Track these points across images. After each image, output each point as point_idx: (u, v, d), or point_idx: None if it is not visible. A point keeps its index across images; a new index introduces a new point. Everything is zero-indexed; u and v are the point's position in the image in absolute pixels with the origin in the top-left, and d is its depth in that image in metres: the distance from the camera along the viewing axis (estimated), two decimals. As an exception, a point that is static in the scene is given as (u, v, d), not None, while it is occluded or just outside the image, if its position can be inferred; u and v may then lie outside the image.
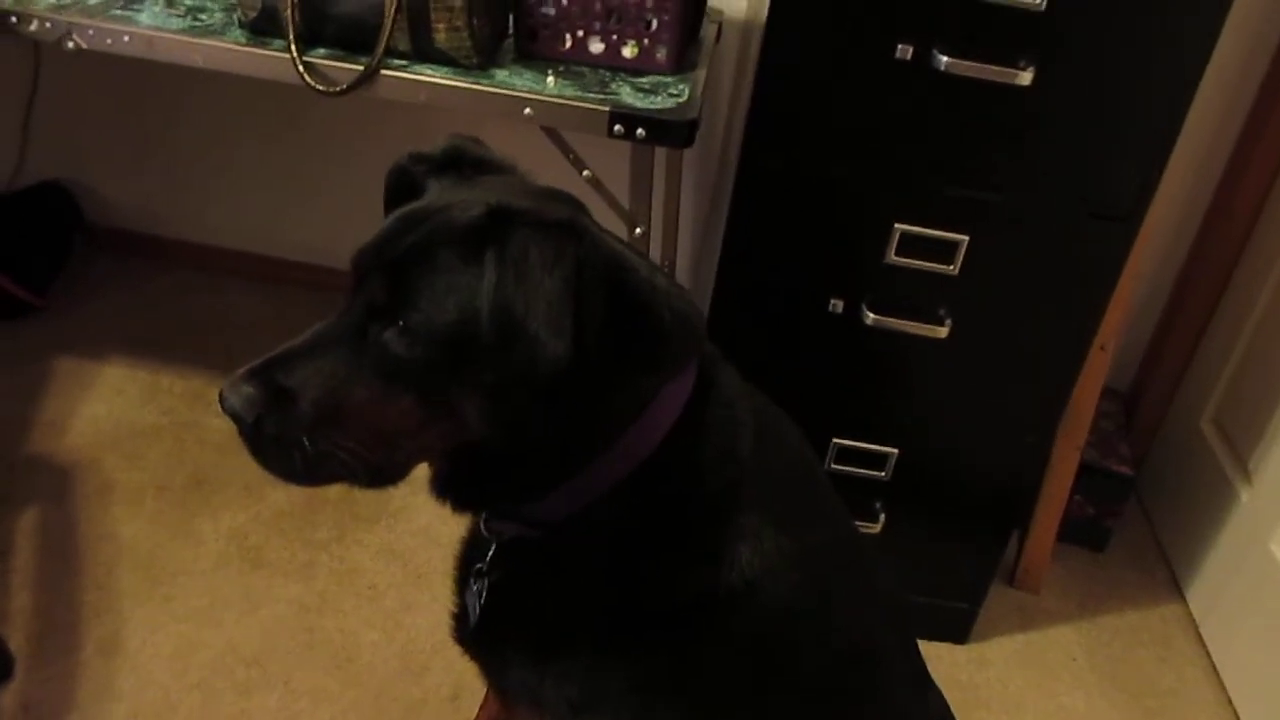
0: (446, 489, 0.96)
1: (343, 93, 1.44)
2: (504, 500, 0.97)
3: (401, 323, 0.84)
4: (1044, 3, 1.32)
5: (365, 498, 1.98)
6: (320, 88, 1.43)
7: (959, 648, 1.89)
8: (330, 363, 0.87)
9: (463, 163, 1.01)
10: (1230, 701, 1.83)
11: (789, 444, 1.08)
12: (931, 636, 1.87)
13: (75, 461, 1.97)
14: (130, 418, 2.10)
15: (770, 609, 0.97)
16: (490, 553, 1.01)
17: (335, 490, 1.98)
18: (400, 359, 0.84)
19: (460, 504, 0.97)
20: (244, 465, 1.97)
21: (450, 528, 1.92)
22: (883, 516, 1.72)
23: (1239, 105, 2.07)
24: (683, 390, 0.94)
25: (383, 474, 0.91)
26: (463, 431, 0.88)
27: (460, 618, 1.11)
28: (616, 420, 0.91)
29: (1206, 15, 1.33)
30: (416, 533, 1.94)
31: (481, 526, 1.01)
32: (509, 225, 0.82)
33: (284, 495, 1.96)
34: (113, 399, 2.14)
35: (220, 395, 0.86)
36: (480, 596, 1.02)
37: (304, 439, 0.85)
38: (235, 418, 0.85)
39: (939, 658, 1.86)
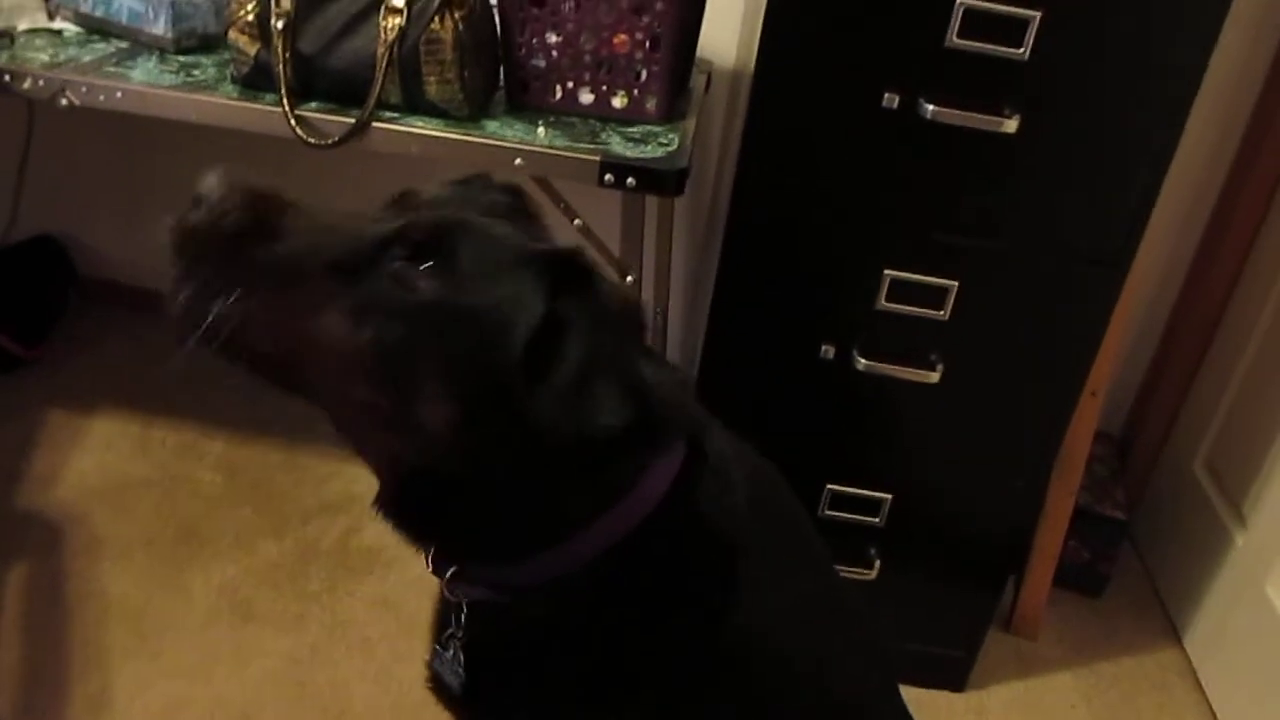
0: (395, 513, 0.89)
1: (335, 145, 1.45)
2: (465, 556, 0.91)
3: (430, 265, 0.77)
4: (1027, 52, 1.34)
5: (358, 549, 1.97)
6: (312, 141, 1.45)
7: (956, 696, 1.87)
8: (330, 243, 0.79)
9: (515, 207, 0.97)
10: (1230, 748, 1.82)
11: (779, 501, 1.05)
12: (928, 684, 1.86)
13: (65, 515, 1.96)
14: (120, 471, 2.09)
15: (763, 670, 0.95)
16: (455, 616, 0.95)
17: (327, 543, 1.99)
18: (399, 296, 0.77)
19: (415, 536, 0.91)
20: (235, 518, 1.98)
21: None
22: (877, 563, 1.72)
23: (1225, 148, 2.10)
24: (673, 457, 0.91)
25: (270, 373, 0.83)
26: (393, 422, 0.80)
27: (437, 677, 1.06)
28: (606, 486, 0.87)
29: (1188, 62, 1.35)
30: (410, 583, 1.93)
31: (444, 589, 0.94)
32: (589, 277, 0.81)
33: (275, 547, 1.95)
34: (103, 452, 2.13)
35: (203, 173, 0.78)
36: (458, 664, 0.96)
37: (240, 283, 0.76)
38: (200, 201, 0.77)
39: (936, 706, 1.84)
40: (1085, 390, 1.69)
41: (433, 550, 0.93)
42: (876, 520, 1.69)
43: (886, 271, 1.50)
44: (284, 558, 1.94)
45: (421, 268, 0.78)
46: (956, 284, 1.49)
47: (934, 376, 1.54)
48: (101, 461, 2.11)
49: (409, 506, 0.89)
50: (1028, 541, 1.96)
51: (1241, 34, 1.98)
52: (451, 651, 0.96)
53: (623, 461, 0.87)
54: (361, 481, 2.11)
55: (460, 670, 0.96)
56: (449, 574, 0.93)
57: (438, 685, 1.05)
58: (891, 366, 1.54)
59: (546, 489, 0.85)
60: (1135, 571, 2.22)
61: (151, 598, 1.82)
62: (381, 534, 2.04)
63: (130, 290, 2.59)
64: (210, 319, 0.77)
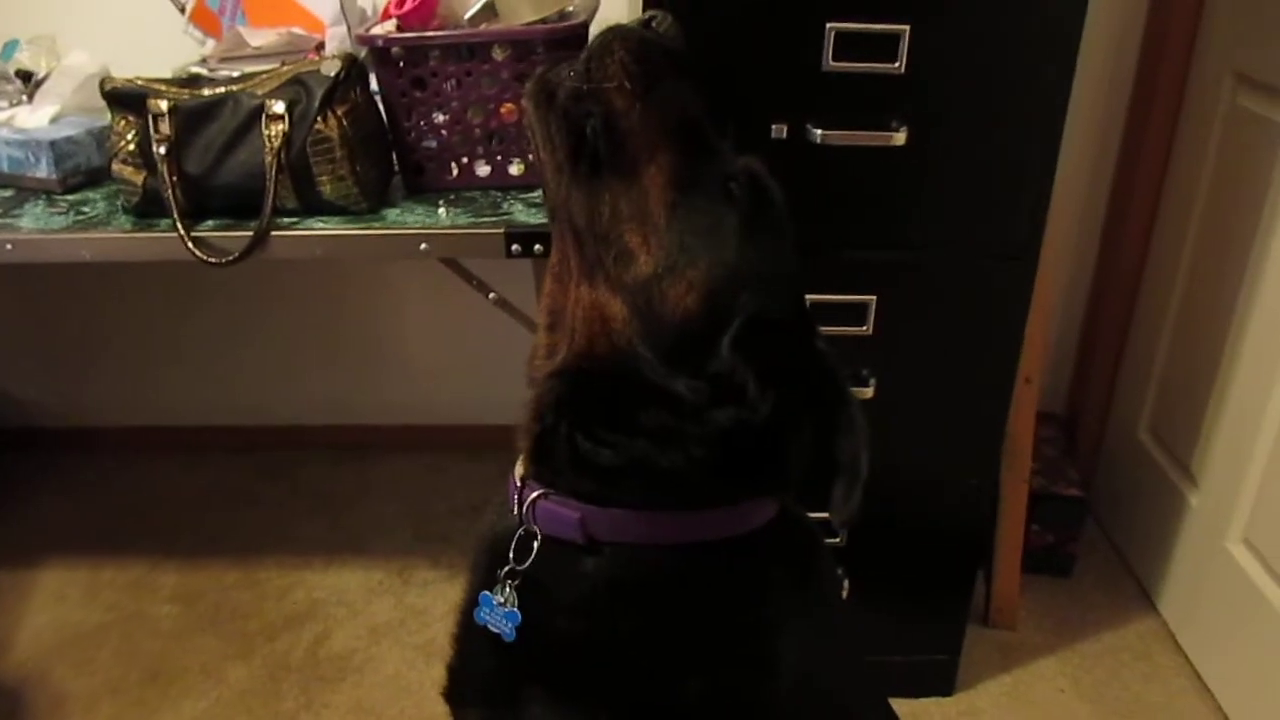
0: (556, 393, 0.91)
1: (235, 261, 1.43)
2: (582, 476, 0.90)
3: (753, 189, 0.88)
4: (903, 65, 1.36)
5: (328, 657, 1.94)
6: (212, 260, 1.43)
7: (947, 700, 1.87)
8: (704, 114, 0.89)
9: None
10: (1220, 707, 1.82)
11: (829, 560, 1.10)
12: (917, 693, 1.85)
13: (23, 679, 1.90)
14: (75, 621, 2.04)
15: (794, 713, 0.96)
16: (519, 550, 0.93)
17: (296, 657, 1.95)
18: (724, 206, 0.86)
19: (549, 434, 0.91)
20: (199, 648, 1.94)
21: (419, 673, 1.90)
22: (846, 583, 1.71)
23: (1113, 130, 2.16)
24: (771, 503, 0.95)
25: (582, 176, 0.88)
26: (631, 290, 0.86)
27: (457, 673, 1.02)
28: (727, 489, 0.90)
29: (1059, 53, 1.38)
30: (385, 684, 1.89)
31: (521, 511, 0.93)
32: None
33: (245, 671, 1.91)
34: (55, 605, 2.07)
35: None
36: (513, 603, 0.92)
37: (639, 78, 0.85)
38: (650, 20, 0.88)
39: (928, 714, 1.84)
40: (1019, 378, 1.71)
41: (547, 453, 0.92)
42: (838, 540, 1.69)
43: (805, 297, 1.51)
44: (254, 680, 1.90)
45: (740, 188, 0.88)
46: (875, 298, 1.51)
47: (868, 392, 1.55)
48: (54, 615, 2.05)
49: (577, 392, 0.91)
50: (991, 535, 1.97)
51: (1108, 20, 2.04)
52: (507, 590, 0.93)
53: (750, 480, 0.91)
54: (323, 587, 2.10)
55: (515, 609, 0.92)
56: (536, 495, 0.92)
57: (455, 676, 1.02)
58: (826, 388, 1.55)
59: (685, 446, 0.88)
60: (1101, 546, 2.24)
61: (123, 746, 1.77)
62: (351, 637, 2.02)
63: (56, 433, 2.54)
64: (583, 105, 0.86)
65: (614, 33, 0.87)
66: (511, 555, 0.93)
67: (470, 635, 0.97)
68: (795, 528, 0.98)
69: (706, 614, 0.92)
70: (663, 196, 0.86)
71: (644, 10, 1.35)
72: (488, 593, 0.94)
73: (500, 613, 0.93)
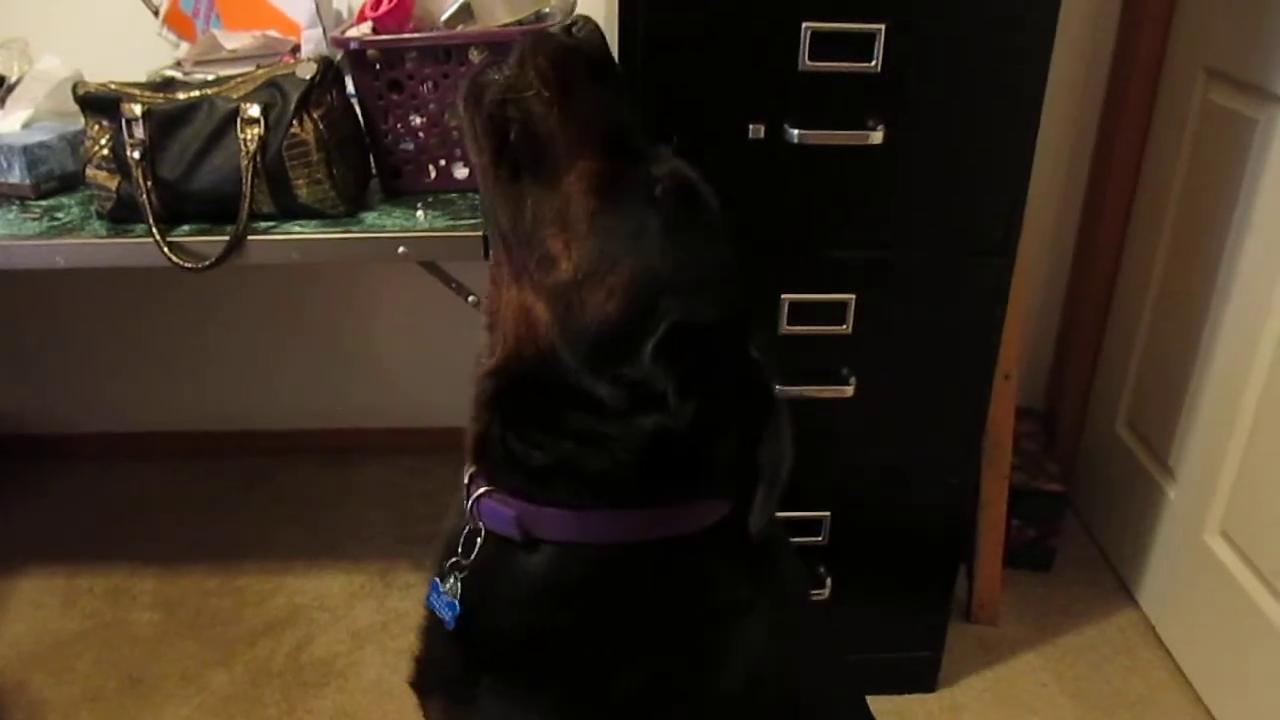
0: (495, 399, 0.93)
1: (212, 266, 1.42)
2: (519, 473, 0.92)
3: (678, 191, 0.88)
4: (879, 64, 1.36)
5: (310, 662, 1.93)
6: (189, 265, 1.42)
7: (930, 696, 1.88)
8: (626, 123, 0.89)
9: None
10: (1200, 698, 1.84)
11: (789, 545, 1.09)
12: (900, 690, 1.86)
13: (1, 687, 1.89)
14: (53, 628, 2.02)
15: (746, 704, 0.96)
16: (465, 545, 0.97)
17: (278, 662, 1.94)
18: (649, 210, 0.86)
19: (487, 435, 0.94)
20: (179, 654, 1.93)
21: (401, 677, 1.87)
22: (829, 581, 1.72)
23: (1087, 127, 2.17)
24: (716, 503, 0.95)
25: (504, 178, 0.88)
26: (554, 293, 0.86)
27: (423, 663, 1.05)
28: (660, 490, 0.91)
29: (1034, 50, 1.39)
30: (368, 688, 1.89)
31: (468, 508, 0.96)
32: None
33: (226, 677, 1.90)
34: (32, 613, 2.06)
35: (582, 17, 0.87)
36: (455, 594, 0.96)
37: (555, 81, 0.85)
38: (570, 25, 0.87)
39: (912, 711, 1.84)
40: (998, 375, 1.71)
41: (489, 452, 0.95)
42: (820, 539, 1.70)
43: (783, 296, 1.51)
44: (236, 686, 1.89)
45: (664, 191, 0.88)
46: (854, 297, 1.51)
47: (848, 390, 1.55)
48: (32, 623, 2.03)
49: (512, 392, 0.92)
50: (972, 530, 1.98)
51: (1081, 18, 2.05)
52: (451, 581, 0.97)
53: (679, 482, 0.91)
54: (304, 592, 2.09)
55: (455, 600, 0.96)
56: (480, 493, 0.94)
57: (421, 666, 1.04)
58: (805, 388, 1.55)
59: (615, 448, 0.89)
60: (1081, 540, 2.26)
61: (104, 754, 1.76)
62: (333, 642, 2.01)
63: (31, 440, 2.52)
64: (515, 101, 0.85)
65: (535, 39, 0.87)
66: (460, 550, 0.96)
67: (432, 627, 1.01)
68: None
69: (642, 609, 0.93)
70: (583, 202, 0.86)
71: (620, 12, 1.36)
72: (437, 579, 0.98)
73: (443, 600, 0.97)
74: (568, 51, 0.86)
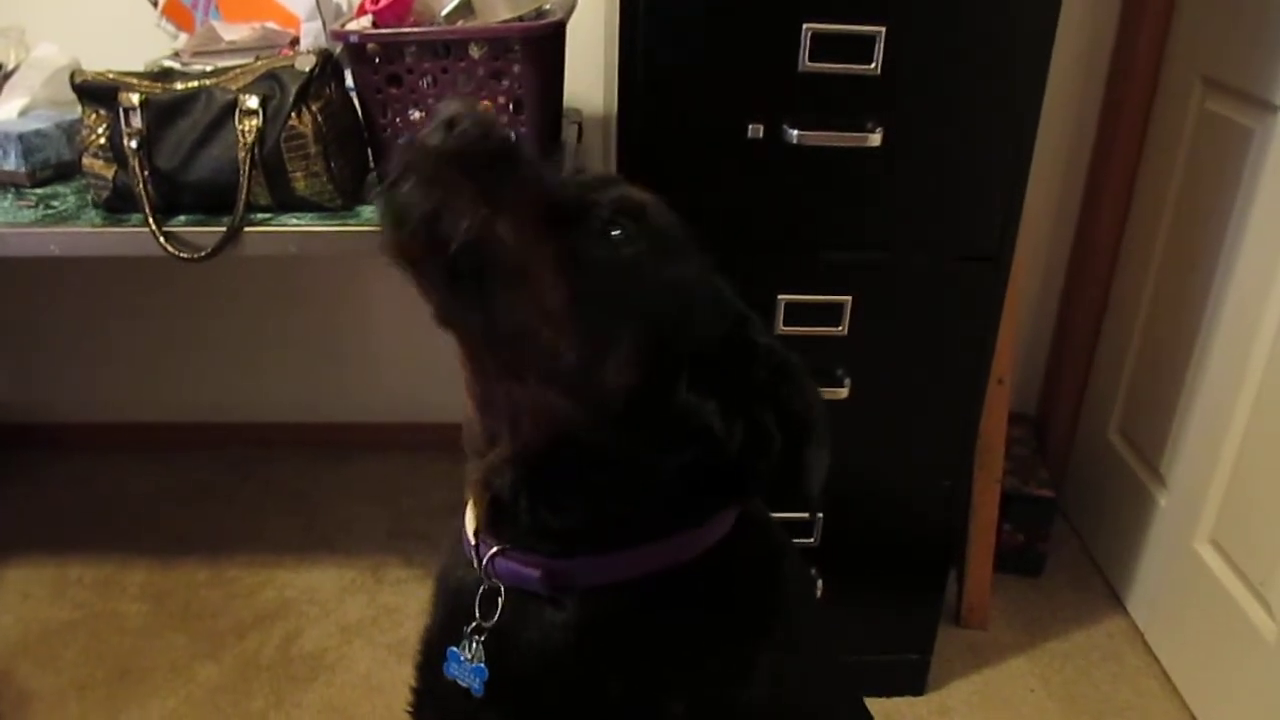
0: (504, 473, 0.89)
1: (208, 257, 1.42)
2: (540, 534, 0.89)
3: (629, 233, 0.83)
4: (878, 66, 1.37)
5: (300, 656, 1.92)
6: (184, 256, 1.42)
7: (918, 700, 1.88)
8: (553, 191, 0.84)
9: None
10: (1186, 705, 1.84)
11: (794, 553, 1.07)
12: (889, 692, 1.86)
13: (-12, 675, 1.89)
14: (41, 618, 2.01)
15: (774, 717, 0.96)
16: (484, 606, 0.92)
17: (267, 655, 1.94)
18: (606, 253, 0.83)
19: (500, 504, 0.90)
20: (168, 646, 1.92)
21: (390, 672, 1.89)
22: (820, 583, 1.72)
23: (1084, 134, 2.18)
24: (733, 510, 0.94)
25: (464, 306, 0.81)
26: (565, 374, 0.82)
27: (423, 696, 1.02)
28: (688, 513, 0.89)
29: (1033, 56, 1.39)
30: (357, 683, 1.88)
31: (482, 568, 0.91)
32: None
33: (215, 670, 1.89)
34: (20, 602, 2.05)
35: (450, 102, 0.78)
36: (480, 659, 0.92)
37: (471, 192, 0.76)
38: (450, 121, 0.77)
39: (900, 714, 1.84)
40: (992, 379, 1.72)
41: (502, 519, 0.91)
42: (812, 541, 1.70)
43: (780, 296, 1.51)
44: (225, 678, 1.88)
45: (625, 235, 0.84)
46: (850, 299, 1.51)
47: (842, 392, 1.56)
48: (20, 612, 2.03)
49: (523, 468, 0.88)
50: (962, 536, 1.98)
51: (1082, 18, 2.06)
52: (473, 647, 0.92)
53: (716, 499, 0.91)
54: (294, 585, 2.08)
55: (482, 664, 0.92)
56: (493, 553, 0.91)
57: (421, 710, 1.02)
58: (800, 389, 1.55)
59: (648, 491, 0.88)
60: (1071, 546, 2.26)
61: (90, 745, 1.75)
62: (322, 636, 2.01)
63: (22, 429, 2.51)
64: (434, 237, 0.77)
65: (425, 158, 0.78)
66: (477, 611, 0.92)
67: (435, 671, 0.96)
68: (754, 532, 0.96)
69: (678, 637, 0.91)
70: (554, 285, 0.80)
71: (620, 10, 1.36)
72: (454, 649, 0.93)
73: (468, 668, 0.93)
74: (470, 155, 0.78)
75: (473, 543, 0.93)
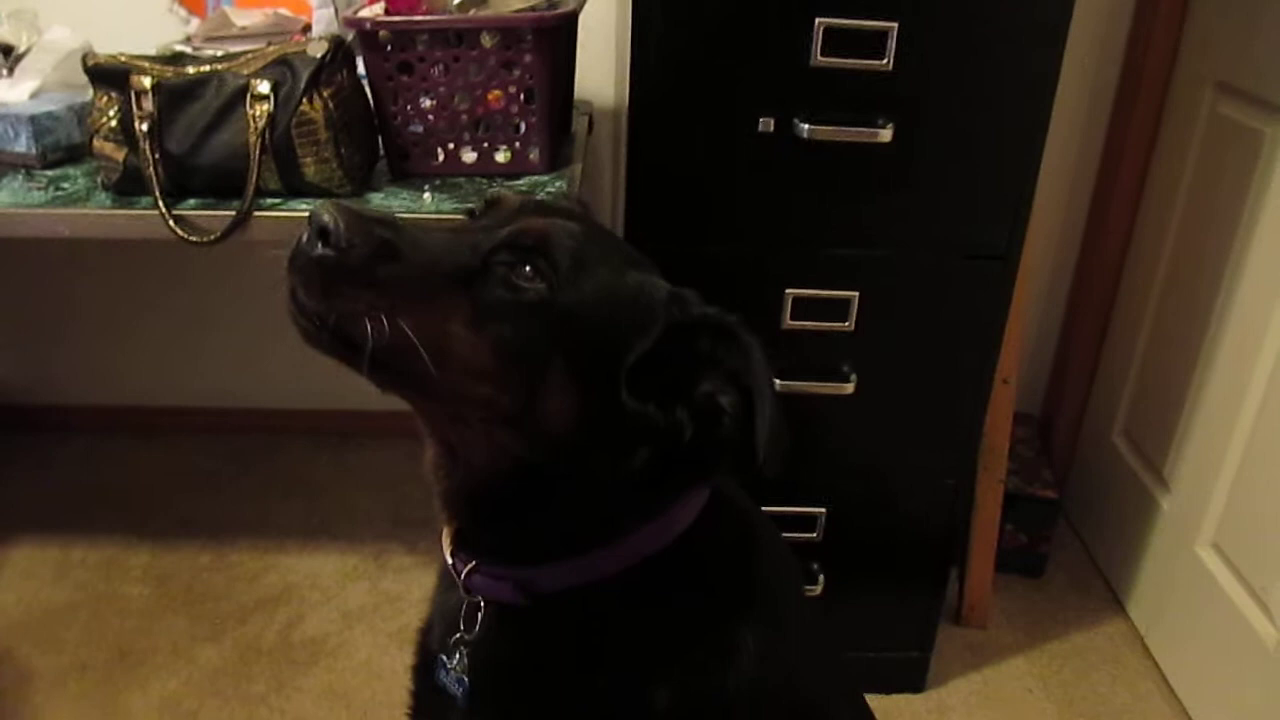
0: (464, 504, 0.92)
1: (217, 241, 1.42)
2: (509, 550, 0.92)
3: (535, 268, 0.82)
4: (890, 62, 1.37)
5: (301, 641, 1.93)
6: (193, 239, 1.42)
7: (916, 697, 1.88)
8: (443, 257, 0.83)
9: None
10: (1185, 709, 1.84)
11: (776, 538, 1.08)
12: (887, 690, 1.86)
13: (-11, 654, 1.89)
14: (43, 598, 2.02)
15: (764, 704, 0.96)
16: (468, 618, 0.96)
17: (269, 638, 1.94)
18: (511, 298, 0.82)
19: (466, 529, 0.93)
20: (169, 628, 1.93)
21: (391, 659, 1.89)
22: (821, 578, 1.72)
23: (1094, 134, 2.17)
24: (703, 490, 0.94)
25: (397, 380, 0.84)
26: (507, 416, 0.84)
27: (420, 697, 1.05)
28: (653, 505, 0.90)
29: (1044, 53, 1.39)
30: (357, 669, 1.89)
31: (460, 584, 0.95)
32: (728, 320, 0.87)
33: (215, 653, 1.90)
34: (22, 582, 2.06)
35: (319, 207, 0.78)
36: (464, 670, 0.96)
37: (369, 304, 0.78)
38: (325, 233, 0.77)
39: (898, 711, 1.85)
40: (997, 379, 1.72)
41: (470, 541, 0.94)
42: (814, 535, 1.70)
43: (788, 291, 1.51)
44: (225, 662, 1.89)
45: (528, 270, 0.82)
46: (857, 294, 1.51)
47: (849, 388, 1.56)
48: (22, 592, 2.03)
49: (481, 497, 0.92)
50: (965, 534, 1.98)
51: (1095, 19, 2.05)
52: (457, 657, 0.96)
53: (679, 484, 0.91)
54: (297, 571, 2.09)
55: (465, 676, 0.96)
56: (469, 569, 0.93)
57: (419, 713, 1.04)
58: (805, 382, 1.55)
59: (606, 495, 0.89)
60: (1073, 547, 2.26)
61: (91, 726, 1.76)
62: (324, 621, 2.02)
63: (28, 411, 2.52)
64: (342, 337, 0.80)
65: (319, 269, 0.78)
66: (462, 624, 0.95)
67: (430, 674, 1.00)
68: (727, 514, 0.96)
69: (655, 627, 0.93)
70: (474, 345, 0.82)
71: (634, 2, 1.36)
72: (444, 656, 0.97)
73: (453, 678, 0.96)
74: (351, 261, 0.78)
75: (450, 562, 0.96)
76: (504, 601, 0.93)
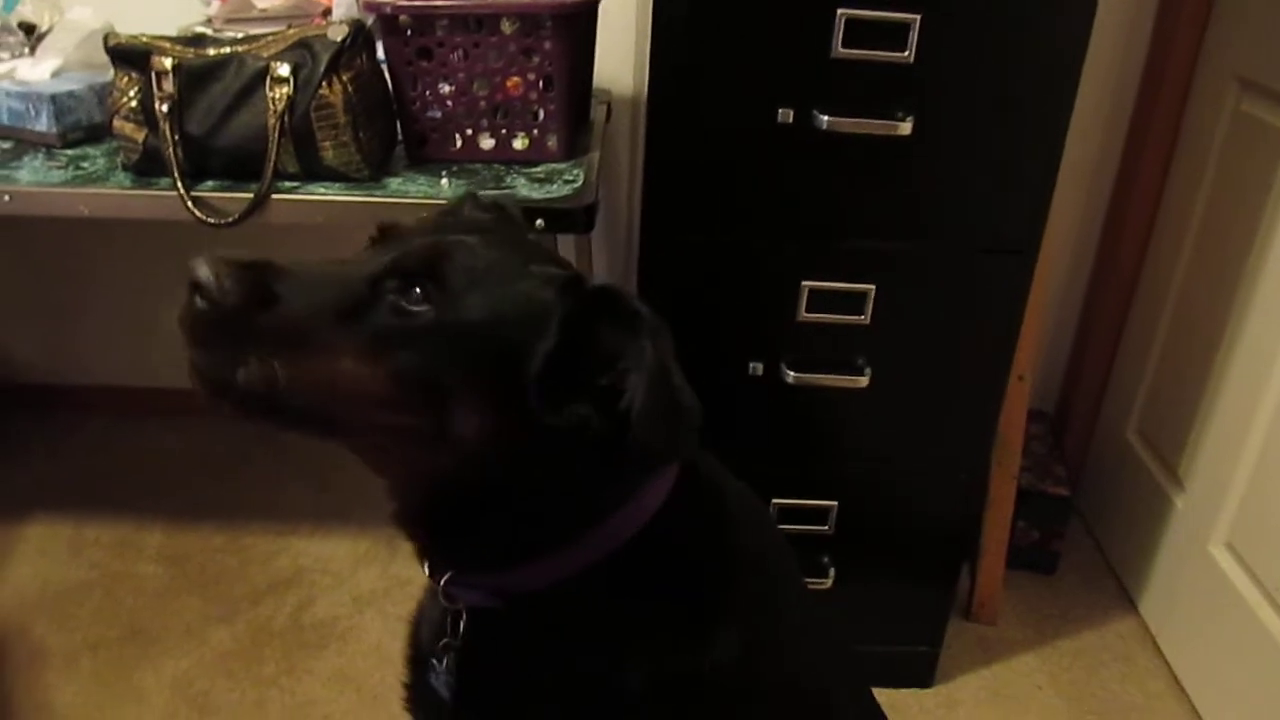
0: (415, 523, 0.94)
1: (235, 223, 1.43)
2: (474, 561, 0.93)
3: (422, 291, 0.81)
4: (911, 54, 1.36)
5: (312, 624, 1.94)
6: (211, 221, 1.42)
7: (925, 692, 1.88)
8: (328, 293, 0.82)
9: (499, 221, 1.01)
10: (1195, 709, 1.84)
11: (762, 519, 1.08)
12: (896, 684, 1.86)
13: (2, 631, 1.90)
14: (57, 576, 2.04)
15: (750, 687, 0.96)
16: (452, 625, 0.97)
17: (280, 620, 1.95)
18: (401, 326, 0.81)
19: (427, 546, 0.95)
20: (182, 609, 1.94)
21: (401, 644, 1.89)
22: (832, 571, 1.72)
23: (1117, 129, 2.16)
24: (669, 472, 0.93)
25: (307, 424, 0.84)
26: (425, 439, 0.84)
27: (414, 690, 1.06)
28: (612, 496, 0.90)
29: (1068, 49, 1.38)
30: (368, 653, 1.90)
31: (440, 593, 0.96)
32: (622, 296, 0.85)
33: (227, 634, 1.91)
34: (36, 560, 2.07)
35: (194, 262, 0.78)
36: (450, 674, 0.97)
37: (258, 352, 0.78)
38: (199, 288, 0.78)
39: (907, 705, 1.84)
40: (1012, 375, 1.71)
41: (435, 556, 0.96)
42: (826, 528, 1.70)
43: (804, 283, 1.51)
44: (237, 643, 1.90)
45: (416, 294, 0.81)
46: (874, 288, 1.51)
47: (863, 381, 1.55)
48: (37, 570, 2.05)
49: (429, 516, 0.93)
50: (976, 530, 1.98)
51: (1119, 14, 2.04)
52: (445, 661, 0.97)
53: (633, 474, 0.90)
54: (309, 554, 2.10)
55: (451, 679, 0.97)
56: (445, 579, 0.95)
57: (415, 705, 1.06)
58: (820, 376, 1.55)
59: (557, 495, 0.89)
60: (1085, 545, 2.26)
61: (102, 705, 1.76)
62: (335, 605, 2.02)
63: (45, 390, 2.53)
64: (240, 391, 0.80)
65: (201, 325, 0.81)
66: (448, 629, 0.97)
67: (422, 671, 1.02)
68: (696, 495, 0.95)
69: (627, 615, 0.92)
70: (375, 378, 0.81)
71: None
72: (434, 659, 0.99)
73: (441, 680, 0.98)
74: (229, 315, 0.80)
75: (427, 573, 0.97)
76: (483, 607, 0.94)
